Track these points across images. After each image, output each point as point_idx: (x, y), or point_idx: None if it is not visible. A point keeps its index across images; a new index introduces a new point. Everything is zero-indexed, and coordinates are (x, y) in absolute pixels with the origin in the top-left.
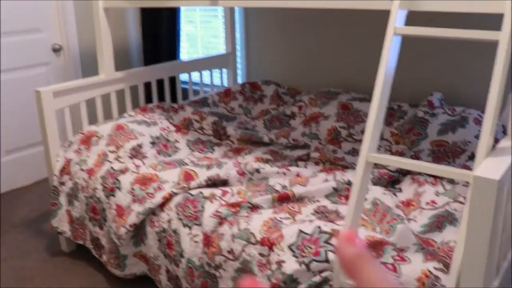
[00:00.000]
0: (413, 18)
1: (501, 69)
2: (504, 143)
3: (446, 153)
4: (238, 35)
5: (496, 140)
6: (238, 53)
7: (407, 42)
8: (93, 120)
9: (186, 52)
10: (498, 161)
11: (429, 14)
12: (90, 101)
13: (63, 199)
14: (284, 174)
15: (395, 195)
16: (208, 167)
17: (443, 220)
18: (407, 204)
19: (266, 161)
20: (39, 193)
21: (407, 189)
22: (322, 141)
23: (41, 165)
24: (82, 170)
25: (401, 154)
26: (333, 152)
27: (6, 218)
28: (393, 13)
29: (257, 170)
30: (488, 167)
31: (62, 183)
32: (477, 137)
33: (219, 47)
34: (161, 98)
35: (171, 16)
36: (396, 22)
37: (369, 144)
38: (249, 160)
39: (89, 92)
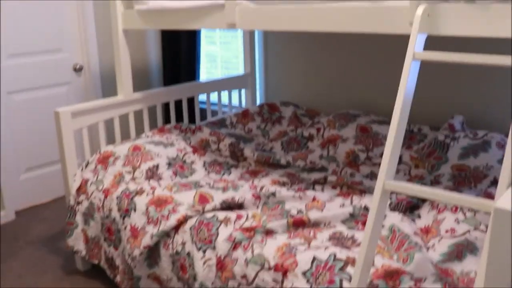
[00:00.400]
0: (434, 39)
1: None
2: None
3: (467, 178)
4: (257, 55)
5: None
6: (257, 74)
7: (428, 63)
8: (111, 139)
9: (206, 71)
10: None
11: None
12: (109, 121)
13: (79, 218)
14: (300, 198)
15: (414, 221)
16: (224, 189)
17: (463, 249)
18: (426, 231)
19: (283, 184)
20: (56, 211)
21: (426, 215)
22: (340, 164)
23: (59, 183)
24: (99, 190)
25: (420, 178)
26: (351, 175)
27: (23, 235)
28: (412, 38)
29: (273, 194)
30: (510, 197)
31: (79, 203)
32: (500, 161)
33: (239, 67)
34: (179, 118)
35: (191, 36)
36: (416, 47)
37: (387, 170)
38: (266, 183)
39: (107, 113)
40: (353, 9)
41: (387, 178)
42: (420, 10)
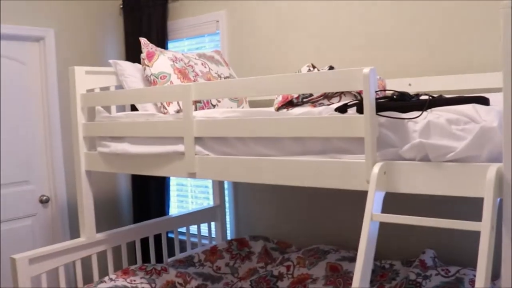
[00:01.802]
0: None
1: (485, 260)
2: None
3: None
4: (226, 187)
5: None
6: (227, 206)
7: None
8: (72, 283)
9: (177, 198)
10: None
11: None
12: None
13: None
14: None
15: None
16: None
17: None
18: None
19: None
20: None
21: None
22: None
23: None
24: None
25: None
26: None
27: None
28: (370, 197)
29: None
30: None
31: None
32: None
33: (210, 195)
34: (146, 254)
35: None
36: (374, 207)
37: None
38: None
39: (69, 256)
40: (310, 163)
41: None
42: (376, 168)
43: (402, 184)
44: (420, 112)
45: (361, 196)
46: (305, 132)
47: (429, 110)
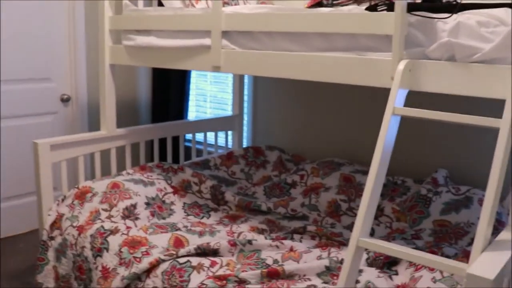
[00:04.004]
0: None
1: (501, 156)
2: (504, 235)
3: (448, 234)
4: (246, 98)
5: (502, 223)
6: (245, 116)
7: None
8: (91, 174)
9: (195, 107)
10: (495, 256)
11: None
12: (90, 155)
13: (51, 255)
14: (277, 247)
15: (390, 278)
16: (201, 233)
17: None
18: None
19: (261, 231)
20: (33, 242)
21: (404, 272)
22: (322, 213)
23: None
24: (73, 226)
25: (402, 232)
26: (331, 226)
27: None
28: (393, 92)
29: (249, 242)
30: (483, 263)
31: (52, 238)
32: None
33: (228, 106)
34: (163, 156)
35: (182, 73)
36: (396, 102)
37: (361, 227)
38: (244, 229)
39: (89, 147)
40: (336, 59)
41: (361, 236)
42: (401, 65)
43: (426, 82)
44: (451, 13)
45: (380, 109)
46: (333, 28)
47: (460, 13)
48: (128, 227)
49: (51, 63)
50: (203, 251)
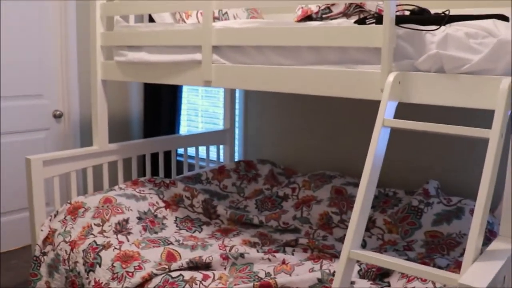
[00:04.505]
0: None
1: (491, 166)
2: (495, 244)
3: (440, 245)
4: (237, 112)
5: (494, 234)
6: (237, 130)
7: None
8: (84, 190)
9: (187, 121)
10: (487, 266)
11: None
12: (82, 171)
13: (43, 270)
14: (270, 260)
15: None
16: (193, 247)
17: None
18: None
19: (253, 244)
20: (26, 258)
21: (396, 284)
22: (313, 226)
23: (29, 231)
24: (65, 241)
25: (393, 243)
26: (323, 238)
27: None
28: (383, 104)
29: (242, 255)
30: (475, 273)
31: (45, 253)
32: None
33: (220, 120)
34: (155, 171)
35: (174, 88)
36: (386, 114)
37: (352, 240)
38: (236, 243)
39: (81, 163)
40: (325, 72)
41: (352, 247)
42: (391, 77)
43: (415, 94)
44: (439, 25)
45: (371, 121)
46: (323, 42)
47: (448, 25)
48: (120, 242)
49: (43, 80)
50: (196, 265)
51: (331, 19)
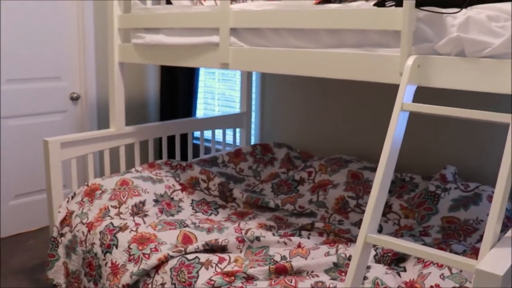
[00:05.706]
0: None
1: (510, 153)
2: None
3: (456, 231)
4: (254, 95)
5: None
6: (253, 113)
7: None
8: (101, 172)
9: (204, 105)
10: (505, 253)
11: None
12: (99, 153)
13: (61, 251)
14: (285, 243)
15: (399, 274)
16: (209, 230)
17: None
18: (410, 286)
19: (269, 228)
20: (42, 240)
21: (412, 269)
22: (329, 210)
23: (46, 212)
24: (83, 223)
25: (410, 228)
26: (339, 222)
27: (6, 263)
28: (401, 88)
29: (257, 238)
30: (493, 259)
31: (62, 235)
32: None
33: (236, 104)
34: (172, 154)
35: (191, 71)
36: (404, 98)
37: (369, 223)
38: (252, 226)
39: (98, 145)
40: (344, 56)
41: (369, 231)
42: (410, 60)
43: (435, 78)
44: (460, 8)
45: (389, 106)
46: (342, 24)
47: (469, 7)
48: (137, 224)
49: (61, 62)
50: (211, 248)
51: (350, 2)
